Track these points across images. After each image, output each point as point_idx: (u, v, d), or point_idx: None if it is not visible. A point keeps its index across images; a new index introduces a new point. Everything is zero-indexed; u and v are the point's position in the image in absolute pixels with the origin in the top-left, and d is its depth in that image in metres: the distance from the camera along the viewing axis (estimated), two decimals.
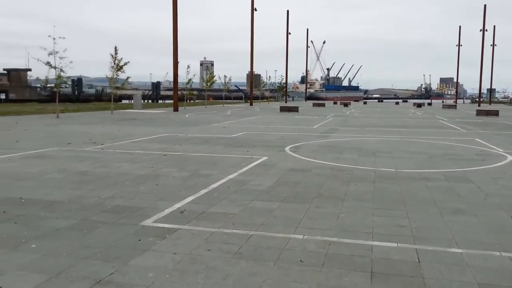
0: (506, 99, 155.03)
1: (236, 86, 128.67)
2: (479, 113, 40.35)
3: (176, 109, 41.80)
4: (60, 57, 28.15)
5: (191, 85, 51.08)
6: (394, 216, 6.36)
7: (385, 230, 5.73)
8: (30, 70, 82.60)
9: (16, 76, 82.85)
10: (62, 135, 17.35)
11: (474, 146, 15.44)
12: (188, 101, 62.46)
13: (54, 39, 27.79)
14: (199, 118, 30.59)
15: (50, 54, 27.82)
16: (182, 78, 50.66)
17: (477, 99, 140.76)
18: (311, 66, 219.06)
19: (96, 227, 5.53)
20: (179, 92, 52.74)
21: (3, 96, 54.57)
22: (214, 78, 57.83)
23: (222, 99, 70.85)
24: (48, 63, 28.03)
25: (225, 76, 61.01)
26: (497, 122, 30.51)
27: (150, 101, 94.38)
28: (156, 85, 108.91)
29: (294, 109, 43.69)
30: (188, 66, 48.85)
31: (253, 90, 70.56)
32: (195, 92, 72.17)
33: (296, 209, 6.65)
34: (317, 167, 10.55)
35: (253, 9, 66.18)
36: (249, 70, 70.86)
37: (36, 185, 7.96)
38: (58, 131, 19.08)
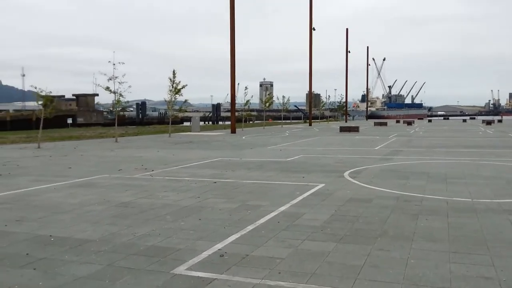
0: None
1: (295, 106, 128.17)
2: None
3: (233, 131, 41.60)
4: (119, 82, 28.70)
5: (249, 106, 50.89)
6: (475, 264, 5.21)
7: (467, 283, 4.63)
8: (97, 95, 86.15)
9: (83, 101, 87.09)
10: (116, 160, 17.23)
11: None
12: (248, 122, 62.65)
13: (114, 64, 28.45)
14: (256, 140, 30.01)
15: (110, 79, 28.44)
16: (241, 99, 50.79)
17: None
18: (372, 84, 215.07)
19: (121, 276, 4.83)
20: (238, 114, 52.96)
21: (70, 121, 56.95)
22: (273, 99, 57.35)
23: (281, 120, 70.37)
24: (107, 88, 28.64)
25: (283, 97, 60.44)
26: None
27: (210, 122, 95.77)
28: (216, 107, 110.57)
29: (355, 129, 42.20)
30: (246, 87, 48.89)
31: (312, 110, 69.52)
32: (254, 113, 72.40)
33: (355, 252, 5.66)
34: (380, 196, 9.44)
35: (311, 29, 65.67)
36: (308, 90, 70.03)
37: (72, 219, 7.46)
38: (113, 156, 19.05)
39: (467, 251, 5.64)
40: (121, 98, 29.73)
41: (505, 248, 5.79)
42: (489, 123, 65.90)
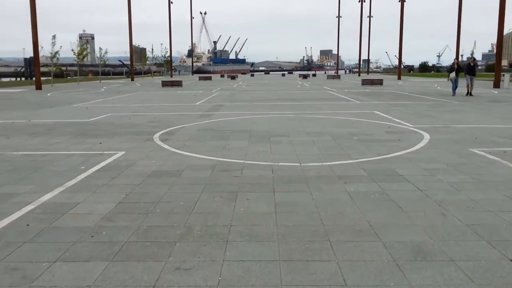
0: (378, 69, 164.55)
1: (120, 61, 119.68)
2: (365, 82, 40.04)
3: (38, 87, 35.78)
4: None
5: (57, 59, 44.45)
6: (318, 272, 3.44)
7: None
8: None
9: None
10: None
11: (377, 120, 13.35)
12: (65, 77, 55.32)
13: None
14: (62, 98, 25.67)
15: None
16: (62, 53, 44.10)
17: (352, 70, 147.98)
18: (197, 40, 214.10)
19: None
20: (47, 68, 46.08)
21: None
22: (87, 51, 51.13)
23: (103, 75, 64.49)
24: None
25: (100, 49, 54.63)
26: (385, 91, 29.74)
27: (24, 78, 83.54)
28: (29, 61, 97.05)
29: (178, 84, 39.88)
30: (53, 36, 42.22)
31: (135, 65, 64.89)
32: (74, 68, 63.78)
33: (140, 273, 3.44)
34: (192, 166, 7.38)
35: None
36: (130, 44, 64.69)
37: None
38: None
39: (304, 257, 3.84)
40: None
41: (349, 240, 4.17)
42: (305, 77, 69.86)
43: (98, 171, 7.06)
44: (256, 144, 9.39)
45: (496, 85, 32.89)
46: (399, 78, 58.54)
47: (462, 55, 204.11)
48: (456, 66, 24.18)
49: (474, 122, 12.97)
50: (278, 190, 5.87)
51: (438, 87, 34.88)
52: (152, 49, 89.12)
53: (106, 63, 70.61)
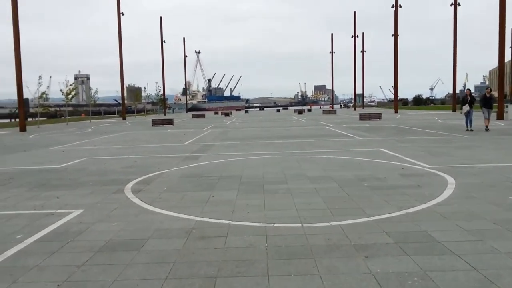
0: (372, 103, 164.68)
1: (115, 100, 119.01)
2: (362, 116, 38.71)
3: (22, 129, 34.20)
4: None
5: (44, 99, 43.02)
6: None
7: None
8: None
9: None
10: None
11: (386, 160, 11.73)
12: (60, 117, 53.92)
13: None
14: (43, 140, 24.01)
15: None
16: (56, 94, 42.79)
17: (347, 104, 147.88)
18: (191, 78, 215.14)
19: None
20: (35, 109, 44.65)
21: None
22: (76, 91, 49.75)
23: (96, 115, 63.19)
24: None
25: (90, 89, 53.31)
26: (385, 125, 28.31)
27: (18, 120, 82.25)
28: (24, 102, 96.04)
29: (168, 122, 38.41)
30: (39, 77, 40.88)
31: (130, 104, 63.89)
32: (68, 108, 62.20)
33: None
34: (162, 231, 5.67)
35: (119, 13, 59.61)
36: (127, 84, 64.05)
37: None
38: None
39: None
40: None
41: None
42: (300, 112, 68.73)
43: (36, 242, 5.33)
44: (246, 195, 7.71)
45: (500, 116, 31.56)
46: (396, 112, 57.45)
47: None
48: (469, 98, 21.39)
49: (496, 160, 11.36)
50: (274, 272, 4.16)
51: (440, 120, 33.55)
52: (145, 88, 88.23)
53: (102, 102, 69.50)
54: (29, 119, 73.88)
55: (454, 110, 53.49)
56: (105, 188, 8.80)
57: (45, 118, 72.84)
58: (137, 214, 6.60)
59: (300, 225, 5.76)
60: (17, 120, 68.11)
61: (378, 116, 37.85)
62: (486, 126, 21.12)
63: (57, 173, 11.24)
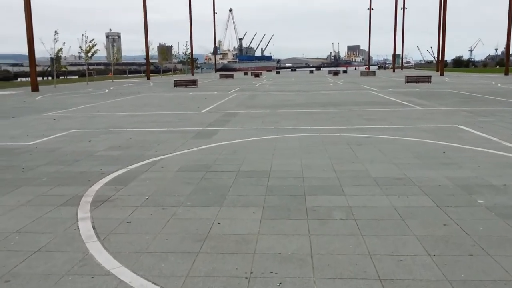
0: (409, 64, 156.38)
1: (145, 59, 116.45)
2: (409, 79, 34.33)
3: (35, 89, 31.52)
4: None
5: (59, 57, 40.14)
6: None
7: None
8: None
9: None
10: None
11: (479, 147, 8.10)
12: (89, 75, 51.41)
13: None
14: (47, 103, 21.13)
15: None
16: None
17: (384, 65, 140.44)
18: (222, 37, 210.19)
19: None
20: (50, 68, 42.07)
21: None
22: (95, 48, 46.21)
23: (112, 73, 60.64)
24: None
25: (112, 46, 50.28)
26: (440, 91, 24.19)
27: (50, 77, 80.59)
28: (56, 59, 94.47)
29: (192, 83, 35.07)
30: (55, 32, 37.81)
31: (162, 63, 60.94)
32: (101, 67, 59.63)
33: None
34: None
35: None
36: (159, 42, 60.87)
37: None
38: None
39: None
40: None
41: None
42: (335, 73, 64.13)
43: None
44: (276, 225, 4.34)
45: None
46: (441, 74, 52.36)
47: (496, 49, 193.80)
48: None
49: None
50: None
51: (500, 85, 29.09)
52: (171, 45, 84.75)
53: (132, 61, 66.76)
54: (60, 77, 71.99)
55: (506, 73, 48.16)
56: (56, 193, 5.59)
57: (76, 77, 70.69)
58: (67, 272, 3.33)
59: None
60: (50, 78, 66.13)
61: (427, 79, 33.42)
62: None
63: (17, 155, 8.14)
